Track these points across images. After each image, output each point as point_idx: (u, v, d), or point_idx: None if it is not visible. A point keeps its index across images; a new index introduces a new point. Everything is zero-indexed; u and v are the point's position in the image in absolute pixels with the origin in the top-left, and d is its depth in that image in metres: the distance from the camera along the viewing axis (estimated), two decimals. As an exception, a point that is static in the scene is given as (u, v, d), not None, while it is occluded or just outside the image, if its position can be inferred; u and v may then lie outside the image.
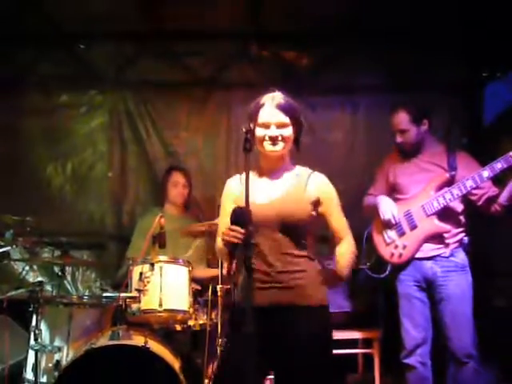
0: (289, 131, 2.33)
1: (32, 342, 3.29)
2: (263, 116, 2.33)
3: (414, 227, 3.29)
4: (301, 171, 2.44)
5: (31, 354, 3.32)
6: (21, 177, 4.51)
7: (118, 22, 4.28)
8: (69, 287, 4.48)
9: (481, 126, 4.61)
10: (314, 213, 2.36)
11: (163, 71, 4.61)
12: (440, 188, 3.25)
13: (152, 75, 4.61)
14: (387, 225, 3.34)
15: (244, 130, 2.23)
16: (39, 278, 3.94)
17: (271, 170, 2.41)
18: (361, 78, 4.61)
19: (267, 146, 2.33)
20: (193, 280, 3.51)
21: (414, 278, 3.28)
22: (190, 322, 3.37)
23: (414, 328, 3.25)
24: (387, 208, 3.33)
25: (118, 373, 2.87)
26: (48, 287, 4.08)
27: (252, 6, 4.13)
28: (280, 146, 2.32)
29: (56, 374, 3.16)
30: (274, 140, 2.31)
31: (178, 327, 3.40)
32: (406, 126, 3.34)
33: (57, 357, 3.34)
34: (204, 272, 3.89)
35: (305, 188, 2.36)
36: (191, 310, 3.28)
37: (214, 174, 4.55)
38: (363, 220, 4.40)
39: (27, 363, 3.36)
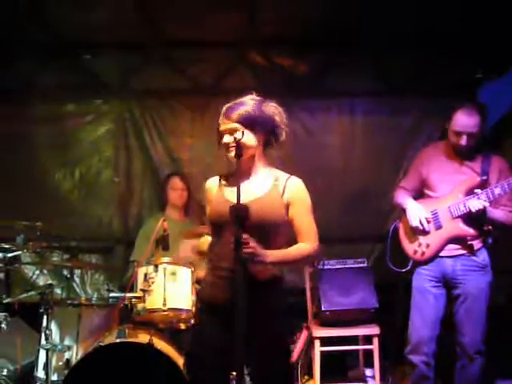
0: (240, 135, 2.37)
1: (43, 341, 3.43)
2: (220, 126, 2.47)
3: (438, 227, 3.32)
4: (279, 175, 2.50)
5: (42, 354, 3.46)
6: (30, 183, 4.64)
7: (122, 32, 4.42)
8: (78, 290, 4.62)
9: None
10: (286, 217, 2.44)
11: (166, 79, 4.74)
12: (469, 192, 3.25)
13: (155, 83, 4.74)
14: (415, 230, 3.37)
15: (235, 138, 2.35)
16: (49, 282, 4.06)
17: (243, 173, 2.44)
18: (358, 83, 4.72)
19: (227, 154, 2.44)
20: (197, 282, 3.65)
21: (432, 272, 3.32)
22: (194, 321, 3.48)
23: (422, 324, 3.29)
24: (415, 215, 3.34)
25: (124, 369, 3.03)
26: (58, 290, 4.23)
27: (250, 14, 4.24)
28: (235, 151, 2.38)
29: (66, 371, 3.30)
30: (227, 146, 2.41)
31: (182, 326, 3.50)
32: (477, 129, 3.23)
33: (67, 355, 3.49)
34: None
35: (282, 192, 2.44)
36: (194, 309, 3.39)
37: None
38: (361, 222, 4.58)
39: (38, 362, 3.50)
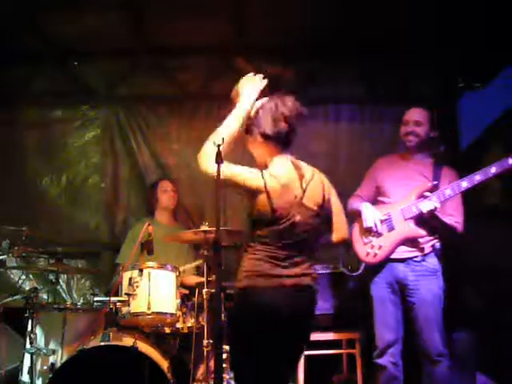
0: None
1: (28, 345, 3.43)
2: None
3: (391, 229, 3.42)
4: None
5: (27, 358, 3.46)
6: (17, 188, 4.68)
7: (110, 40, 4.47)
8: (64, 295, 4.63)
9: (458, 135, 4.78)
10: None
11: (153, 86, 4.79)
12: (421, 195, 3.38)
13: (143, 90, 4.80)
14: (369, 231, 3.46)
15: (216, 144, 2.39)
16: (34, 286, 4.07)
17: None
18: (344, 90, 4.80)
19: None
20: (182, 285, 3.69)
21: (387, 280, 3.41)
22: (179, 325, 3.51)
23: (386, 329, 3.38)
24: (370, 216, 3.44)
25: (108, 372, 3.05)
26: (44, 295, 4.25)
27: (238, 21, 4.31)
28: None
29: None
30: None
31: (167, 330, 3.54)
32: (423, 120, 3.49)
33: (52, 359, 3.48)
34: (193, 279, 4.04)
35: None
36: (179, 313, 3.43)
37: (203, 184, 4.66)
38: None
39: (23, 366, 3.49)
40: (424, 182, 3.44)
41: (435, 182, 3.41)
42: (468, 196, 4.46)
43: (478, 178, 3.28)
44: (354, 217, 3.59)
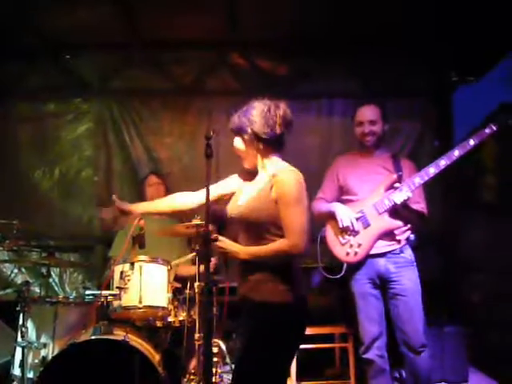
0: (237, 142, 2.62)
1: (19, 339, 3.42)
2: None
3: (367, 225, 3.40)
4: (275, 171, 2.52)
5: (18, 351, 3.44)
6: (10, 182, 4.67)
7: (103, 33, 4.44)
8: (56, 289, 4.63)
9: (451, 129, 4.79)
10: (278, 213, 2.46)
11: (146, 80, 4.78)
12: (389, 188, 3.40)
13: (136, 83, 4.79)
14: (345, 231, 3.42)
15: (206, 137, 2.37)
16: (26, 279, 4.06)
17: (249, 173, 2.68)
18: (336, 85, 4.80)
19: None
20: (176, 279, 3.67)
21: (368, 275, 3.40)
22: (170, 319, 3.48)
23: (370, 324, 3.38)
24: (345, 215, 3.40)
25: (99, 366, 3.03)
26: (36, 289, 4.24)
27: (231, 16, 4.29)
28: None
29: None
30: None
31: (159, 323, 3.52)
32: (377, 117, 3.50)
33: (43, 353, 3.47)
34: (188, 269, 4.03)
35: (270, 188, 2.48)
36: (170, 307, 3.41)
37: (195, 177, 4.65)
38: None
39: (15, 360, 3.49)
40: (388, 174, 3.45)
41: (400, 173, 3.43)
42: (465, 191, 4.51)
43: (443, 162, 3.34)
44: (322, 220, 3.55)
